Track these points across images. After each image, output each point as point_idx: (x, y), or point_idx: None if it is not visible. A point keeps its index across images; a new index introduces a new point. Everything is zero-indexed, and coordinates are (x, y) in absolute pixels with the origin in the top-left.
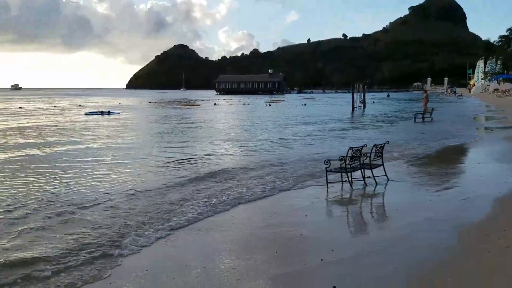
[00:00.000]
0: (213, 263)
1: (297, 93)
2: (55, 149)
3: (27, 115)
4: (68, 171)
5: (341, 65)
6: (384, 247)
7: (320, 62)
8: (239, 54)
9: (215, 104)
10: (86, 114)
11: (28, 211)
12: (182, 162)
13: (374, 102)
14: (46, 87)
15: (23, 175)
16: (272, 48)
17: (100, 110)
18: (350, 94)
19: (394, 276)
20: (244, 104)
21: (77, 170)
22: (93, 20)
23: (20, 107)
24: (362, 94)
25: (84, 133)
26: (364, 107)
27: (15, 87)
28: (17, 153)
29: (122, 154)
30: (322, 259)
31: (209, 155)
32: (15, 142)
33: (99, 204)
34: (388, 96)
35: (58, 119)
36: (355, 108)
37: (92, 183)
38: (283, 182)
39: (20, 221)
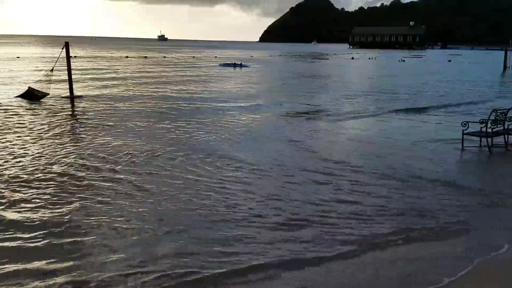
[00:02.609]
0: None
1: (440, 48)
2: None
3: (170, 64)
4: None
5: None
6: None
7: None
8: (378, 4)
9: (353, 58)
10: (220, 65)
11: None
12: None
13: None
14: (188, 39)
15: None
16: None
17: (233, 62)
18: (503, 52)
19: None
20: (369, 58)
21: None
22: None
23: (164, 56)
24: None
25: (218, 83)
26: None
27: (162, 38)
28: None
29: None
30: None
31: (322, 110)
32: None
33: None
34: None
35: (196, 69)
36: (508, 67)
37: None
38: None
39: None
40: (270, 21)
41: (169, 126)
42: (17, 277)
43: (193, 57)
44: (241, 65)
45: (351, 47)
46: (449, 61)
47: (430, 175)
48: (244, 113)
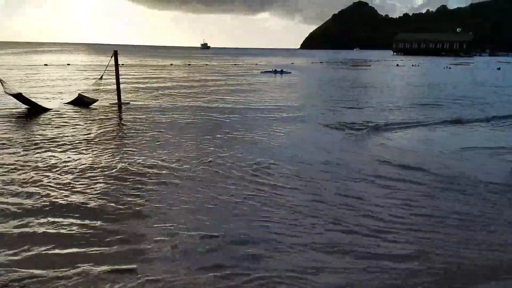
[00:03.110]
0: None
1: (488, 55)
2: (239, 107)
3: (212, 71)
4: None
5: None
6: None
7: None
8: (423, 10)
9: (397, 65)
10: (261, 72)
11: None
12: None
13: None
14: (230, 47)
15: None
16: (463, 4)
17: (274, 70)
18: None
19: None
20: (413, 65)
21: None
22: None
23: (206, 64)
24: None
25: (260, 90)
26: None
27: (205, 46)
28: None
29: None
30: None
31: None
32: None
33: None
34: None
35: (237, 76)
36: None
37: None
38: None
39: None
40: (311, 28)
41: (212, 135)
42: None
43: (235, 64)
44: (282, 72)
45: (394, 53)
46: (498, 68)
47: None
48: (288, 123)
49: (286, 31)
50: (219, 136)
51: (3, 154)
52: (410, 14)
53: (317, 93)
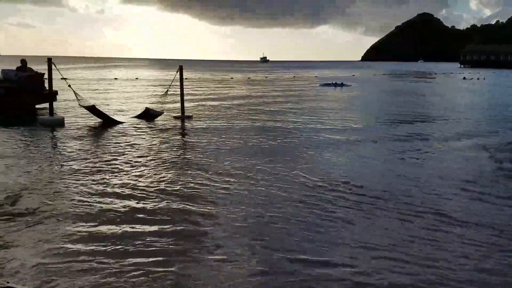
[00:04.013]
0: None
1: None
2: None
3: (271, 84)
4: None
5: None
6: None
7: None
8: (492, 22)
9: (464, 78)
10: (321, 85)
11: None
12: None
13: None
14: (289, 60)
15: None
16: None
17: (334, 82)
18: None
19: None
20: (483, 78)
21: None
22: None
23: (265, 77)
24: None
25: (320, 102)
26: None
27: (264, 60)
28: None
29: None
30: None
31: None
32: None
33: None
34: None
35: (297, 89)
36: None
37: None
38: None
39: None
40: (373, 40)
41: (273, 156)
42: None
43: (294, 76)
44: (342, 85)
45: (462, 66)
46: None
47: None
48: (352, 141)
49: (346, 44)
50: (284, 156)
51: (80, 161)
52: (479, 25)
53: (381, 107)
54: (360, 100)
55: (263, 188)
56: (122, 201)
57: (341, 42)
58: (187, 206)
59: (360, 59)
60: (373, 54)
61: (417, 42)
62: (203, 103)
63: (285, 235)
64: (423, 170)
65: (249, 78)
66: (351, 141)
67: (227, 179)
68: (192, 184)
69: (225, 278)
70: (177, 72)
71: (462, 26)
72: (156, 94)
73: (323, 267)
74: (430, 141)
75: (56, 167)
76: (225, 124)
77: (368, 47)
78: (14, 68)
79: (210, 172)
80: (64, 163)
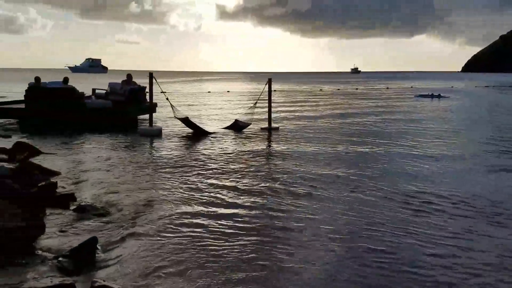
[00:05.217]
0: None
1: None
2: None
3: (362, 96)
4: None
5: None
6: None
7: None
8: None
9: None
10: (416, 96)
11: None
12: None
13: None
14: (382, 71)
15: None
16: None
17: (430, 94)
18: None
19: None
20: None
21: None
22: (435, 0)
23: (356, 89)
24: None
25: (416, 115)
26: None
27: (355, 71)
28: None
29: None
30: None
31: None
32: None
33: None
34: None
35: (389, 101)
36: None
37: None
38: None
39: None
40: (474, 50)
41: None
42: None
43: (387, 88)
44: (439, 96)
45: None
46: None
47: None
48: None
49: (445, 54)
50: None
51: (175, 165)
52: None
53: (485, 121)
54: (459, 115)
55: (350, 197)
56: (214, 199)
57: (439, 52)
58: (273, 211)
59: (460, 70)
60: (475, 65)
61: None
62: (291, 115)
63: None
64: None
65: (338, 89)
66: (455, 174)
67: (311, 184)
68: (278, 185)
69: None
70: (266, 84)
71: None
72: (245, 106)
73: None
74: None
75: (154, 170)
76: (311, 136)
77: (470, 57)
78: (119, 81)
79: (294, 177)
80: (161, 167)
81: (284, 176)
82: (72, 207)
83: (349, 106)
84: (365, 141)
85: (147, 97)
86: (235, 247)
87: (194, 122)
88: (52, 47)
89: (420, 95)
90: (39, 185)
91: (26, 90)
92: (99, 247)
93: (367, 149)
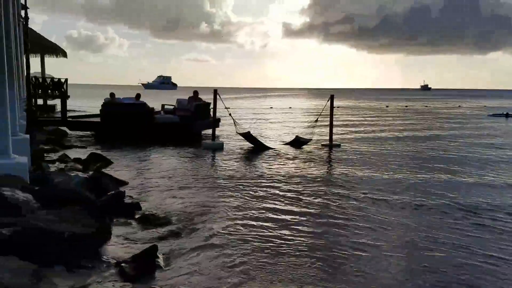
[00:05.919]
0: None
1: None
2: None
3: (432, 114)
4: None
5: None
6: None
7: None
8: None
9: None
10: (489, 115)
11: None
12: None
13: None
14: (454, 88)
15: None
16: None
17: (505, 113)
18: None
19: None
20: None
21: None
22: None
23: (426, 106)
24: None
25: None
26: None
27: (425, 87)
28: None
29: None
30: None
31: None
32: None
33: None
34: None
35: (459, 120)
36: None
37: None
38: None
39: None
40: None
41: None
42: None
43: (458, 106)
44: None
45: None
46: None
47: None
48: None
49: None
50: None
51: (237, 177)
52: None
53: None
54: None
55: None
56: (272, 212)
57: None
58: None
59: None
60: None
61: None
62: (353, 132)
63: None
64: None
65: (406, 107)
66: None
67: (369, 195)
68: (336, 199)
69: None
70: (328, 100)
71: None
72: (307, 122)
73: None
74: None
75: (214, 182)
76: (373, 157)
77: None
78: (187, 97)
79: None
80: (222, 179)
81: (345, 196)
82: (137, 216)
83: (417, 124)
84: (438, 167)
85: (211, 112)
86: (303, 262)
87: (255, 137)
88: (127, 65)
89: (494, 114)
90: (108, 193)
91: (101, 105)
92: (159, 255)
93: (444, 177)
